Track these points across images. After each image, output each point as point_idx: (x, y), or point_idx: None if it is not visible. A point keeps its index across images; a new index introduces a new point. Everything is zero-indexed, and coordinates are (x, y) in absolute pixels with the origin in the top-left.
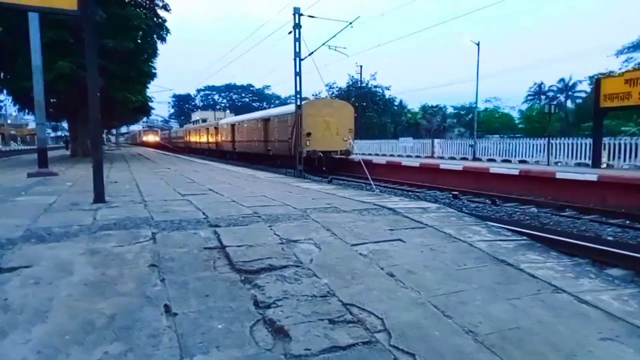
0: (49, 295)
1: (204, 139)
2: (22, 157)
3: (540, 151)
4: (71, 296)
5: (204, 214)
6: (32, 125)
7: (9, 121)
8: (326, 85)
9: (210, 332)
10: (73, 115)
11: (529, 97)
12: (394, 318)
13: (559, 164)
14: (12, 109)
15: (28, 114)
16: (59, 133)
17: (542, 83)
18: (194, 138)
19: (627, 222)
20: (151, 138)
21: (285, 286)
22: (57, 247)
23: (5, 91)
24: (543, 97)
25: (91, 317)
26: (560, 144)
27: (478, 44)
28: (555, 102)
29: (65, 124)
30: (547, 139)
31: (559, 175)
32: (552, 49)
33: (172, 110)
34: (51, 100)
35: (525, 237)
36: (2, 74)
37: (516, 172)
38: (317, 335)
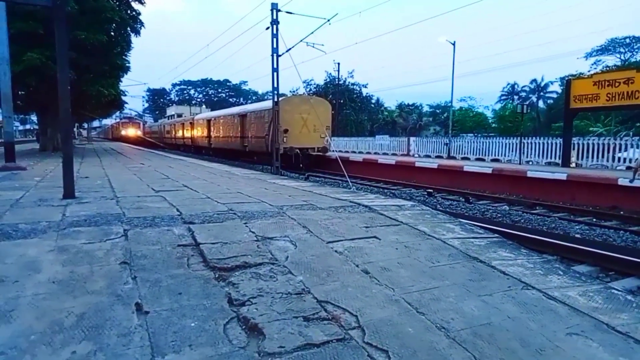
0: (15, 294)
1: (179, 134)
2: None
3: (512, 150)
4: (38, 295)
5: (178, 210)
6: None
7: None
8: (304, 82)
9: (182, 331)
10: (43, 108)
11: (503, 97)
12: (368, 315)
13: (531, 163)
14: None
15: None
16: (28, 126)
17: (515, 83)
18: (168, 133)
19: (594, 220)
20: (131, 132)
21: (260, 284)
22: (24, 244)
23: None
24: (516, 97)
25: (59, 316)
26: (531, 143)
27: (454, 44)
28: (527, 102)
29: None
30: (519, 138)
31: (530, 174)
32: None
33: (146, 105)
34: (20, 92)
35: (497, 235)
36: None
37: (489, 171)
38: (291, 333)
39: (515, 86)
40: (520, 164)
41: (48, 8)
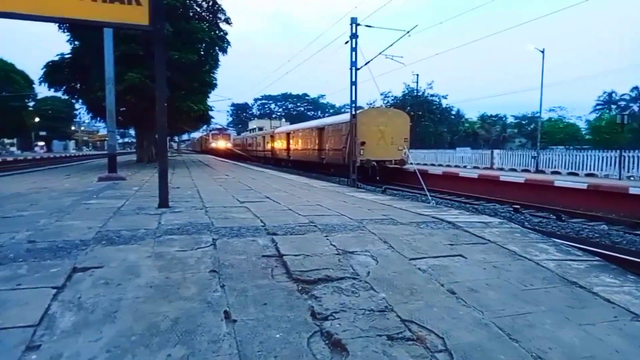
0: (118, 297)
1: (260, 147)
2: (93, 161)
3: (610, 164)
4: (138, 298)
5: (261, 221)
6: (102, 132)
7: (82, 128)
8: (381, 94)
9: (268, 341)
10: (139, 123)
11: (598, 107)
12: (456, 338)
13: (632, 178)
14: (85, 117)
15: (99, 121)
16: (126, 139)
17: (612, 92)
18: (250, 146)
19: None
20: (221, 144)
21: (343, 298)
22: (126, 249)
23: (80, 100)
24: (614, 106)
25: (156, 319)
26: (634, 156)
27: (543, 52)
28: (627, 112)
29: (131, 131)
30: (618, 151)
31: (632, 191)
32: (624, 55)
33: (230, 119)
34: (120, 109)
35: (598, 258)
36: (78, 85)
37: (584, 186)
38: (375, 352)
39: (613, 94)
40: (620, 179)
41: (148, 32)
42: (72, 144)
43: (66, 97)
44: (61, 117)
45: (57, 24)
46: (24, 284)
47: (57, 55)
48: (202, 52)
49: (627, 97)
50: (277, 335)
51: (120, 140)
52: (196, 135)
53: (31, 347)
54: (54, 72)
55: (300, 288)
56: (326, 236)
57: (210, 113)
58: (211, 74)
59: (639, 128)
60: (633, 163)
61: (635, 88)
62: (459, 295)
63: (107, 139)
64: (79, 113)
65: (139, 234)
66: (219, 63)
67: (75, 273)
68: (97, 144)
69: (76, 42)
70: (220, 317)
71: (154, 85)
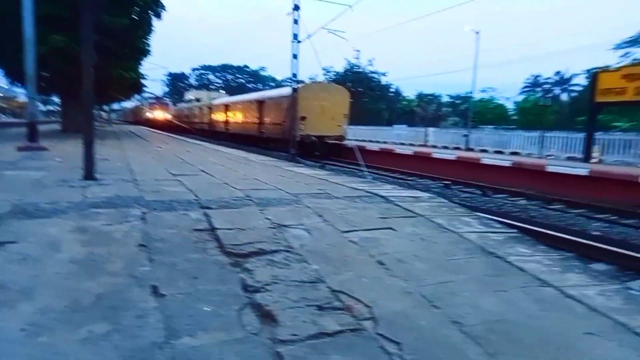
0: (36, 273)
1: (196, 118)
2: (12, 130)
3: (533, 144)
4: (59, 274)
5: (195, 195)
6: (22, 98)
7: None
8: (323, 69)
9: (197, 315)
10: (65, 90)
11: (525, 89)
12: (382, 306)
13: (551, 157)
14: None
15: (19, 86)
16: (50, 107)
17: (538, 75)
18: (186, 117)
19: (614, 217)
20: (159, 115)
21: (275, 271)
22: (46, 223)
23: None
24: (539, 89)
25: (78, 296)
26: (553, 137)
27: (477, 33)
28: (551, 95)
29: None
30: (540, 131)
31: (550, 169)
32: (551, 41)
33: (166, 89)
34: (43, 74)
35: (515, 230)
36: None
37: (508, 164)
38: (304, 321)
39: (539, 78)
40: (540, 157)
41: None
42: None
43: None
44: None
45: None
46: None
47: None
48: (134, 17)
49: (551, 81)
50: (207, 309)
51: (44, 108)
52: (129, 105)
53: None
54: None
55: (232, 261)
56: (261, 210)
57: (144, 82)
58: (144, 40)
59: (560, 110)
60: (552, 143)
61: (558, 72)
62: (388, 266)
63: (27, 106)
64: None
65: (61, 207)
66: (153, 29)
67: None
68: (17, 110)
69: None
70: (147, 291)
71: (81, 49)
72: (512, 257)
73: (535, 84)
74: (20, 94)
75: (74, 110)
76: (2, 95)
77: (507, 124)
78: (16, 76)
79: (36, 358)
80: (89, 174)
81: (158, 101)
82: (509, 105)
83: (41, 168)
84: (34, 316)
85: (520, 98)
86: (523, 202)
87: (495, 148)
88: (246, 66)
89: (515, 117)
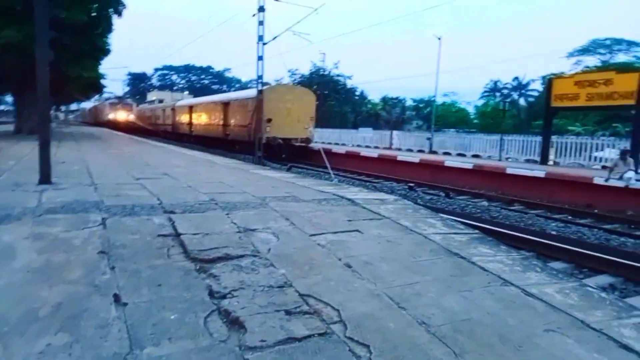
0: None
1: (159, 120)
2: None
3: (493, 147)
4: (12, 283)
5: (158, 199)
6: None
7: None
8: (288, 71)
9: (162, 323)
10: (19, 89)
11: (485, 94)
12: (350, 309)
13: (510, 159)
14: None
15: None
16: (2, 107)
17: (497, 80)
18: (148, 119)
19: (570, 217)
20: (121, 116)
21: (242, 276)
22: None
23: None
24: (498, 94)
25: (34, 305)
26: (512, 140)
27: (440, 39)
28: (509, 100)
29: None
30: (500, 135)
31: (509, 171)
32: (509, 47)
33: (127, 89)
34: None
35: (477, 231)
36: None
37: (470, 166)
38: (272, 327)
39: (498, 83)
40: (500, 160)
41: None
42: None
43: None
44: None
45: None
46: None
47: None
48: (93, 13)
49: (509, 86)
50: (172, 317)
51: None
52: (87, 105)
53: None
54: None
55: (198, 267)
56: (227, 214)
57: (104, 81)
58: (104, 38)
59: (518, 114)
60: (511, 146)
61: (516, 78)
62: (355, 269)
63: None
64: None
65: (14, 213)
66: (113, 27)
67: None
68: None
69: None
70: (109, 300)
71: (35, 45)
72: (475, 258)
73: (494, 89)
74: None
75: (28, 110)
76: None
77: (468, 127)
78: None
79: None
80: (45, 177)
81: (120, 102)
82: (470, 109)
83: None
84: None
85: (480, 102)
86: (485, 203)
87: (457, 151)
88: (210, 67)
89: (476, 121)
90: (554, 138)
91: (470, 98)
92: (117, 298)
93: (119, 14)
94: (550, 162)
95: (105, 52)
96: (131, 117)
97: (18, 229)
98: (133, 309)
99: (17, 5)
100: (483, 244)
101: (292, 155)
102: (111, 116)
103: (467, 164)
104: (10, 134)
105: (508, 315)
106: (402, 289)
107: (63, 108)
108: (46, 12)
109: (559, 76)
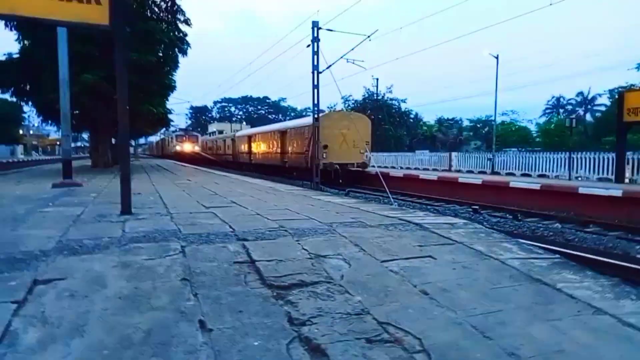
0: (85, 309)
1: (220, 150)
2: (44, 167)
3: (560, 165)
4: (107, 310)
5: (230, 227)
6: (53, 135)
7: (31, 132)
8: (342, 98)
9: (247, 350)
10: (94, 126)
11: (547, 111)
12: (432, 338)
13: (580, 178)
14: (35, 120)
15: (50, 124)
16: (79, 144)
17: (560, 96)
18: (210, 150)
19: None
20: (188, 147)
21: (319, 303)
22: (90, 259)
23: (30, 102)
24: (561, 110)
25: (128, 331)
26: (581, 158)
27: (497, 57)
28: (574, 116)
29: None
30: (568, 153)
31: (582, 190)
32: (571, 62)
33: (189, 122)
34: (74, 112)
35: (557, 255)
36: (28, 86)
37: (537, 187)
38: (355, 355)
39: (561, 99)
40: (569, 179)
41: (108, 32)
42: (20, 148)
43: (14, 99)
44: (7, 119)
45: (4, 21)
46: None
47: (4, 54)
48: (160, 54)
49: (573, 102)
50: (256, 343)
51: (73, 145)
52: (153, 139)
53: None
54: (0, 72)
55: (275, 294)
56: (297, 240)
57: (170, 116)
58: (170, 76)
59: (584, 131)
60: (581, 164)
61: (581, 93)
62: (432, 296)
63: (59, 143)
64: (28, 116)
65: (102, 243)
66: (179, 65)
67: (36, 286)
68: (48, 148)
69: (26, 41)
70: (195, 326)
71: (110, 86)
72: (560, 284)
73: (557, 105)
74: (52, 132)
75: (102, 146)
76: (33, 133)
77: (530, 146)
78: (48, 114)
79: None
80: (126, 208)
81: (187, 133)
82: (531, 127)
83: (78, 204)
84: (88, 353)
85: (542, 120)
86: (557, 225)
87: (521, 171)
88: (267, 97)
89: (538, 139)
90: (629, 154)
91: (531, 116)
92: (202, 324)
93: (184, 53)
94: (627, 180)
95: (172, 88)
96: (197, 148)
97: (107, 258)
98: (218, 335)
99: (93, 51)
100: (566, 269)
101: (349, 180)
102: (178, 148)
103: (534, 184)
104: (87, 168)
105: (604, 347)
106: (485, 317)
107: (133, 142)
108: (125, 57)
109: (631, 89)
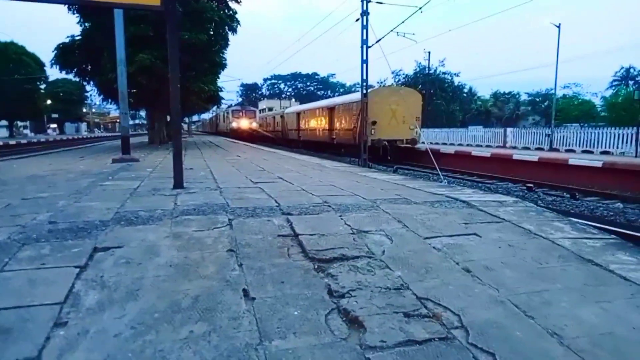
0: (139, 275)
1: (270, 127)
2: (105, 143)
3: (626, 142)
4: (159, 277)
5: (276, 201)
6: (113, 113)
7: (93, 110)
8: (392, 73)
9: (287, 318)
10: (151, 104)
11: (615, 83)
12: (472, 315)
13: None
14: (96, 99)
15: (110, 103)
16: (137, 121)
17: (630, 67)
18: (260, 127)
19: None
20: (244, 124)
21: (359, 277)
22: (144, 230)
23: (92, 82)
24: (631, 82)
25: (177, 297)
26: None
27: (559, 27)
28: None
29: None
30: (635, 128)
31: None
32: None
33: (239, 99)
34: (131, 90)
35: (613, 236)
36: (89, 67)
37: (599, 164)
38: (392, 328)
39: (631, 70)
40: (636, 156)
41: (160, 12)
42: (84, 126)
43: (77, 80)
44: (72, 99)
45: (66, 6)
46: (48, 264)
47: (68, 37)
48: (211, 32)
49: None
50: (296, 313)
51: (131, 122)
52: (206, 116)
53: (59, 324)
54: (64, 54)
55: (316, 267)
56: (340, 216)
57: (220, 94)
58: (221, 54)
59: None
60: None
61: None
62: (475, 274)
63: (119, 120)
64: (90, 95)
65: (156, 215)
66: (229, 43)
67: (96, 253)
68: (109, 125)
69: (86, 24)
70: (239, 295)
71: (164, 66)
72: (613, 266)
73: (626, 76)
74: (112, 110)
75: (158, 123)
76: (96, 111)
77: (594, 121)
78: (108, 93)
79: (144, 355)
80: (178, 183)
81: (243, 108)
82: (596, 101)
83: (135, 178)
84: (141, 316)
85: (609, 93)
86: (619, 205)
87: (582, 147)
88: (315, 74)
89: (604, 114)
90: None
91: (596, 89)
92: (246, 293)
93: (234, 31)
94: None
95: (223, 66)
96: (254, 124)
97: (160, 229)
98: (260, 304)
99: (149, 32)
100: (622, 251)
101: (398, 156)
102: (234, 124)
103: (595, 161)
104: (144, 145)
105: None
106: (529, 297)
107: (186, 120)
108: (177, 37)
109: None
